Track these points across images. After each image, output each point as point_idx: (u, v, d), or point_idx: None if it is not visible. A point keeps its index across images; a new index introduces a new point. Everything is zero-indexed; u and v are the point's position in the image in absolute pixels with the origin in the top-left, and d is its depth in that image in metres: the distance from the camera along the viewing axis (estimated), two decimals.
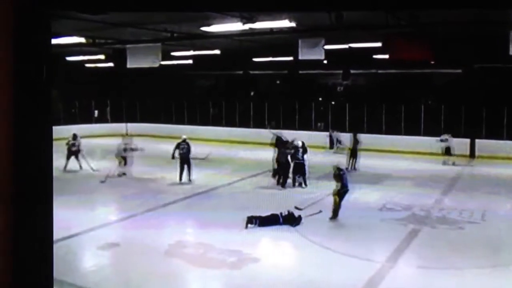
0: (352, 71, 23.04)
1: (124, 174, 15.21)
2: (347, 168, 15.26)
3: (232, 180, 14.97)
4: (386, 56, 15.62)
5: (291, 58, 18.78)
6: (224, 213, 11.04)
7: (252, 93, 27.51)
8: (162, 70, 19.43)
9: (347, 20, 12.82)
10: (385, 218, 11.12)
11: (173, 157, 14.70)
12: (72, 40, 16.84)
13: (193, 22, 14.17)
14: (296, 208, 10.65)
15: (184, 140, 14.84)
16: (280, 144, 15.44)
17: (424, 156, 19.10)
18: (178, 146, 14.75)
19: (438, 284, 7.68)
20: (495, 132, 19.80)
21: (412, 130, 21.36)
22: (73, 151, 15.95)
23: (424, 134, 21.07)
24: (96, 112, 27.81)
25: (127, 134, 20.80)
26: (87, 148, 16.97)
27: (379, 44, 15.73)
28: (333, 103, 24.78)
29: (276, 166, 14.62)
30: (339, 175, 10.86)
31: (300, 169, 14.00)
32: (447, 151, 18.29)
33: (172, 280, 7.87)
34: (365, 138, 17.97)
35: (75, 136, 16.28)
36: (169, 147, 15.27)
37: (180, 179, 14.48)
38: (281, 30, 14.31)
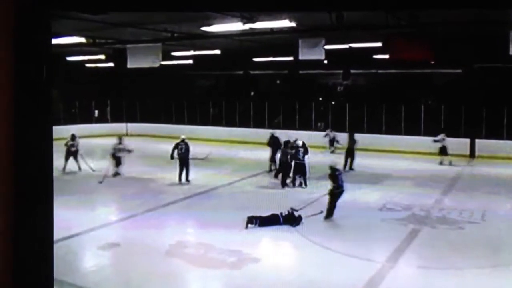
0: (352, 71, 23.03)
1: (118, 174, 15.23)
2: (344, 168, 15.29)
3: (232, 180, 14.95)
4: (386, 56, 15.61)
5: (291, 58, 18.76)
6: (224, 213, 11.05)
7: (252, 93, 27.48)
8: (162, 70, 19.39)
9: (347, 20, 12.82)
10: (385, 218, 11.11)
11: (172, 157, 14.68)
12: (72, 40, 16.82)
13: (193, 22, 14.16)
14: (293, 209, 10.63)
15: (182, 140, 14.82)
16: (274, 144, 15.47)
17: (424, 156, 19.06)
18: (176, 146, 14.73)
19: (438, 284, 7.68)
20: (495, 132, 19.78)
21: (412, 130, 21.32)
22: (72, 152, 15.92)
23: (424, 134, 20.99)
24: (96, 112, 27.75)
25: (127, 134, 20.80)
26: (87, 148, 16.94)
27: (379, 44, 15.74)
28: (333, 103, 24.74)
29: (277, 166, 14.64)
30: (334, 175, 10.87)
31: (300, 169, 14.00)
32: (443, 151, 18.26)
33: (172, 280, 7.87)
34: (365, 138, 17.96)
35: (73, 137, 16.23)
36: (169, 147, 15.23)
37: (180, 179, 14.48)
38: (281, 30, 14.30)
